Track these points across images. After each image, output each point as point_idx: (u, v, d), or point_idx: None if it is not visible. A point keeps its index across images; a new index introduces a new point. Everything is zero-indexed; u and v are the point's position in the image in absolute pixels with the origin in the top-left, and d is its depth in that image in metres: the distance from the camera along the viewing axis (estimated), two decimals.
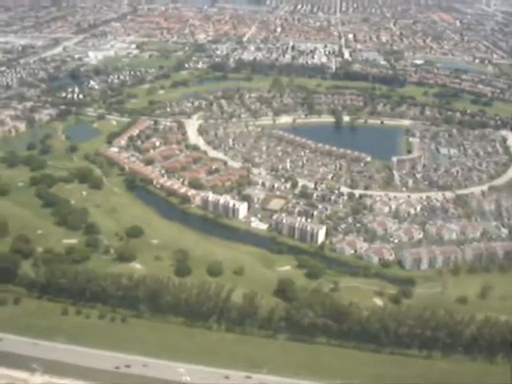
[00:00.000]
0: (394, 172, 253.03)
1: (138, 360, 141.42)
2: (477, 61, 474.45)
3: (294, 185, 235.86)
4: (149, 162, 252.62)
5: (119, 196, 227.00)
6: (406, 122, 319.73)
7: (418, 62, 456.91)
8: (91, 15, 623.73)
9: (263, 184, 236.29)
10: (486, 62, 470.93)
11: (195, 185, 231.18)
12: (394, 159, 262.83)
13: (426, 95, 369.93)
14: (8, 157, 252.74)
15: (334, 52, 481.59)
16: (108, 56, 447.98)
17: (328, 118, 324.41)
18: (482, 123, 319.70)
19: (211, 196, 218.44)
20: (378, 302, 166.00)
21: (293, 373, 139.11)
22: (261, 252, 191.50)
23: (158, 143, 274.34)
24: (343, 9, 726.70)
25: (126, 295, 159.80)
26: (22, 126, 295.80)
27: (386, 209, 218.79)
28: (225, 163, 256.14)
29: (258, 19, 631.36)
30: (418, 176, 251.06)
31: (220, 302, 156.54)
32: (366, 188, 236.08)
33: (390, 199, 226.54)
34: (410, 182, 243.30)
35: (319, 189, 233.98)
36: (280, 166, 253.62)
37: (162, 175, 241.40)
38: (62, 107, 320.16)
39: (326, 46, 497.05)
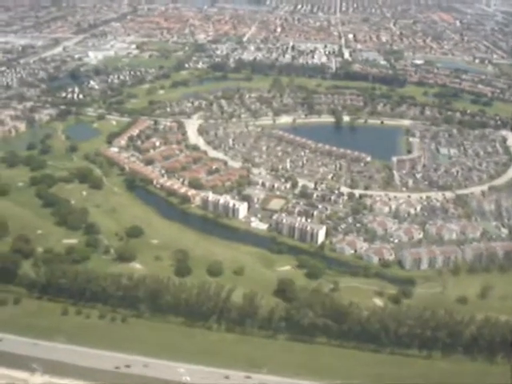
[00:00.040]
0: (394, 172, 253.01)
1: (138, 360, 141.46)
2: (477, 61, 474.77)
3: (294, 185, 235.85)
4: (149, 162, 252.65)
5: (119, 196, 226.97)
6: (406, 122, 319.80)
7: (418, 61, 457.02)
8: (91, 15, 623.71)
9: (263, 184, 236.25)
10: (486, 61, 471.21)
11: (195, 185, 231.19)
12: (394, 159, 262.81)
13: (426, 95, 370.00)
14: (8, 157, 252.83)
15: (333, 52, 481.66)
16: (108, 56, 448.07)
17: (328, 118, 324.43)
18: (482, 123, 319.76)
19: (211, 196, 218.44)
20: (378, 302, 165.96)
21: (293, 373, 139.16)
22: (261, 252, 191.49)
23: (158, 143, 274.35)
24: (343, 9, 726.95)
25: (126, 295, 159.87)
26: (22, 126, 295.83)
27: (386, 209, 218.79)
28: (225, 163, 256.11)
29: (258, 19, 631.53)
30: (418, 176, 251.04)
31: (220, 302, 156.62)
32: (366, 188, 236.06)
33: (389, 199, 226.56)
34: (410, 182, 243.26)
35: (319, 189, 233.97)
36: (280, 166, 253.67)
37: (162, 175, 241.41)
38: (62, 107, 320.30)
39: (326, 46, 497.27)
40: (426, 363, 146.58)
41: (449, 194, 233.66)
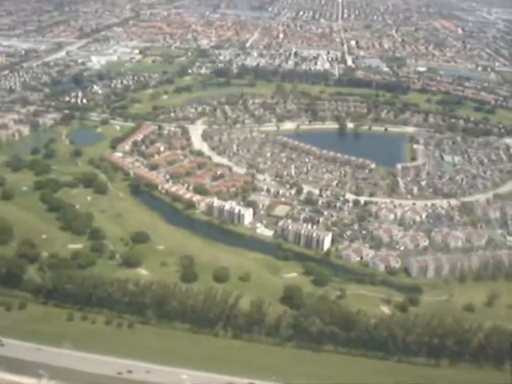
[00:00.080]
0: (399, 179, 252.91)
1: (141, 366, 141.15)
2: (479, 68, 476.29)
3: (299, 191, 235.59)
4: (153, 168, 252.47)
5: (124, 201, 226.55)
6: (410, 129, 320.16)
7: (421, 69, 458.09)
8: (93, 20, 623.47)
9: (268, 190, 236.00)
10: (489, 69, 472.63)
11: (200, 190, 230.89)
12: (399, 166, 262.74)
13: (429, 102, 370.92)
14: (12, 161, 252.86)
15: (336, 58, 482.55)
16: (111, 61, 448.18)
17: (332, 125, 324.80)
18: (485, 131, 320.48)
19: (216, 202, 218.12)
20: (385, 309, 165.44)
21: (300, 381, 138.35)
22: (267, 258, 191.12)
23: (162, 148, 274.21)
24: (345, 15, 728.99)
25: (132, 301, 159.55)
26: (26, 130, 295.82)
27: (392, 216, 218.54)
28: (229, 169, 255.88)
29: (261, 25, 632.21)
30: (423, 183, 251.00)
31: (227, 309, 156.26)
32: (371, 195, 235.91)
33: (395, 206, 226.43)
34: (415, 190, 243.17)
35: (324, 195, 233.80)
36: (285, 173, 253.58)
37: (167, 180, 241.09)
38: (66, 111, 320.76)
39: (328, 53, 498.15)
40: (434, 371, 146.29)
41: (454, 202, 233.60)
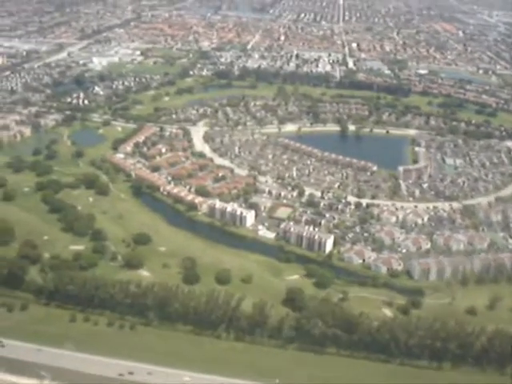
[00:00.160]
0: (401, 182, 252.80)
1: (142, 367, 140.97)
2: (480, 71, 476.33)
3: (301, 193, 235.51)
4: (155, 169, 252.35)
5: (126, 202, 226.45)
6: (412, 132, 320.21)
7: (422, 71, 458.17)
8: (95, 21, 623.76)
9: (270, 192, 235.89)
10: (490, 72, 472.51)
11: (202, 192, 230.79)
12: (401, 169, 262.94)
13: (431, 105, 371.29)
14: (14, 162, 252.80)
15: (338, 61, 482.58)
16: (112, 62, 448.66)
17: (333, 127, 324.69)
18: (487, 134, 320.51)
19: (218, 204, 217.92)
20: (388, 312, 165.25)
21: (302, 383, 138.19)
22: (268, 260, 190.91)
23: (164, 150, 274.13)
24: (346, 18, 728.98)
25: (134, 303, 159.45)
26: (28, 131, 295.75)
27: (394, 218, 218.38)
28: (231, 171, 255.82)
29: (262, 27, 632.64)
30: (425, 186, 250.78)
31: (229, 311, 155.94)
32: (373, 197, 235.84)
33: (396, 209, 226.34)
34: (417, 192, 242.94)
35: (326, 197, 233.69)
36: (286, 175, 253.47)
37: (169, 182, 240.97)
38: (68, 112, 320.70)
39: (329, 55, 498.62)
40: (436, 374, 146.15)
41: (455, 205, 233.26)
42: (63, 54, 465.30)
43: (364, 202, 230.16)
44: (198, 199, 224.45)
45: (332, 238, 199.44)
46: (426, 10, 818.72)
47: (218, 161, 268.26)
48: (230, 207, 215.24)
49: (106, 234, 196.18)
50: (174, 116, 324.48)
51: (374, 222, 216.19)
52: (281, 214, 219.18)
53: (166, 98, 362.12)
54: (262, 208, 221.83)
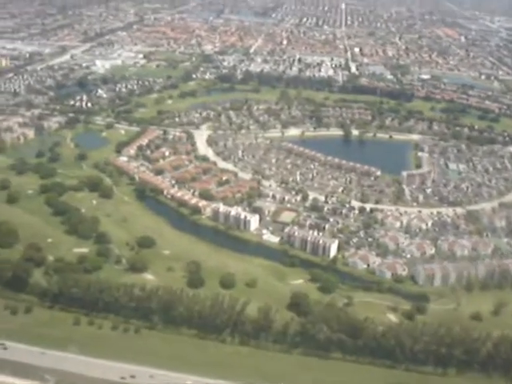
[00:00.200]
0: (404, 187, 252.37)
1: (145, 371, 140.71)
2: (483, 77, 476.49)
3: (305, 198, 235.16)
4: (158, 172, 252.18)
5: (129, 205, 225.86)
6: (415, 137, 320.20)
7: (425, 76, 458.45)
8: (97, 24, 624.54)
9: (274, 196, 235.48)
10: (492, 78, 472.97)
11: (205, 196, 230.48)
12: (404, 174, 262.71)
13: (434, 110, 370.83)
14: (17, 164, 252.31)
15: (340, 65, 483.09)
16: (115, 65, 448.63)
17: (336, 132, 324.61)
18: (490, 139, 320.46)
19: (222, 207, 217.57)
20: (392, 317, 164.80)
21: None
22: (273, 265, 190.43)
23: (167, 153, 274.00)
24: (348, 22, 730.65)
25: (138, 306, 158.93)
26: (31, 134, 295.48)
27: (398, 223, 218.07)
28: (235, 175, 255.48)
29: (264, 31, 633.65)
30: (428, 191, 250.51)
31: (234, 315, 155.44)
32: (377, 202, 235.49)
33: (400, 214, 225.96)
34: (421, 197, 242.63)
35: (330, 202, 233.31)
36: (290, 179, 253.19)
37: (173, 185, 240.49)
38: (71, 115, 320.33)
39: (332, 60, 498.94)
40: (442, 380, 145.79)
41: (459, 210, 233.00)
42: (66, 57, 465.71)
43: (368, 206, 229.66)
44: (202, 203, 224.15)
45: (336, 242, 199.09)
46: (428, 15, 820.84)
47: (222, 164, 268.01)
48: (234, 211, 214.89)
49: (110, 237, 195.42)
50: (177, 119, 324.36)
51: (378, 226, 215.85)
52: (285, 219, 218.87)
53: (169, 102, 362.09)
54: (266, 212, 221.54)
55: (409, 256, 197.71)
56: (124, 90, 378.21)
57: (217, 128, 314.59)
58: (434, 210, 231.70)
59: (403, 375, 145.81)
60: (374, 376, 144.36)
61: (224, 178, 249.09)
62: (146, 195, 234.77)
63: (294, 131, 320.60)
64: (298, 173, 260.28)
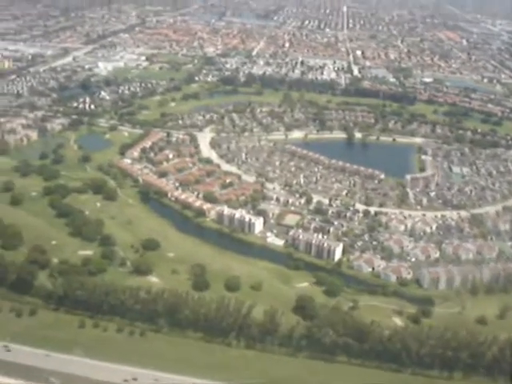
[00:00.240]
0: (408, 190, 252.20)
1: (149, 374, 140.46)
2: (485, 80, 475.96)
3: (309, 200, 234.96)
4: (162, 175, 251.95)
5: (134, 208, 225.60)
6: (418, 140, 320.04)
7: (427, 79, 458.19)
8: (100, 26, 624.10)
9: (277, 199, 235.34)
10: (495, 81, 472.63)
11: (209, 198, 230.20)
12: (408, 177, 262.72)
13: (436, 113, 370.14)
14: (21, 166, 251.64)
15: (342, 68, 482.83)
16: (118, 67, 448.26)
17: (340, 134, 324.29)
18: (493, 142, 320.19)
19: (226, 210, 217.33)
20: (398, 321, 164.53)
21: None
22: (278, 268, 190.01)
23: (171, 156, 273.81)
24: (350, 25, 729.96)
25: (144, 309, 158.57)
26: (34, 135, 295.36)
27: (402, 227, 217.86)
28: (238, 177, 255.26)
29: (266, 34, 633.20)
30: (432, 194, 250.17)
31: (240, 318, 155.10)
32: (381, 205, 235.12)
33: (405, 217, 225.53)
34: (425, 201, 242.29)
35: (334, 205, 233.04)
36: (294, 182, 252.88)
37: (176, 188, 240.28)
38: (74, 117, 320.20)
39: (334, 62, 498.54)
40: None
41: (463, 213, 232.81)
42: (68, 59, 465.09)
43: (372, 209, 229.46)
44: (206, 205, 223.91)
45: (341, 245, 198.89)
46: (430, 18, 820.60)
47: (225, 167, 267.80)
48: (238, 214, 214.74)
49: (115, 240, 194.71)
50: (180, 122, 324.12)
51: (382, 230, 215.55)
52: (289, 221, 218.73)
53: (172, 104, 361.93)
54: (270, 215, 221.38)
55: (413, 259, 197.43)
56: (127, 92, 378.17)
57: (220, 130, 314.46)
58: (438, 214, 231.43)
59: (409, 379, 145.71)
60: (380, 380, 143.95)
61: (228, 181, 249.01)
62: (150, 197, 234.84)
63: (297, 134, 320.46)
64: (301, 176, 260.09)
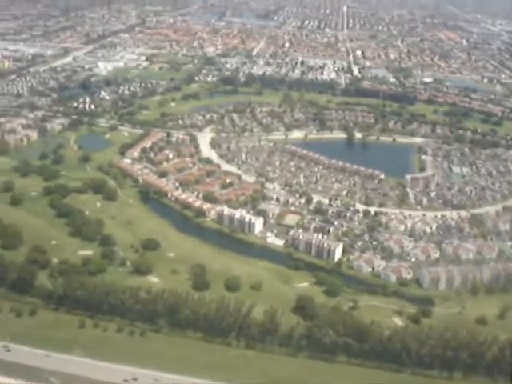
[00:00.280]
0: (408, 190, 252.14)
1: (149, 374, 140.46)
2: (485, 80, 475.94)
3: (309, 200, 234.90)
4: (162, 175, 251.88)
5: (134, 208, 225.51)
6: (418, 140, 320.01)
7: (427, 79, 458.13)
8: (99, 26, 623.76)
9: (277, 199, 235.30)
10: (495, 81, 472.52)
11: (209, 198, 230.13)
12: (408, 177, 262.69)
13: (436, 113, 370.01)
14: (21, 166, 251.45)
15: (342, 68, 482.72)
16: (118, 67, 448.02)
17: (340, 134, 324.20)
18: (493, 142, 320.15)
19: (226, 210, 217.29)
20: (398, 321, 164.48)
21: None
22: (278, 268, 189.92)
23: (171, 156, 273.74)
24: (350, 25, 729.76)
25: (144, 309, 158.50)
26: (34, 135, 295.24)
27: (402, 227, 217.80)
28: (238, 177, 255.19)
29: (266, 34, 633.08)
30: (432, 194, 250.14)
31: (240, 318, 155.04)
32: (381, 205, 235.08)
33: (405, 217, 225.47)
34: (425, 201, 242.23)
35: (334, 205, 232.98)
36: (294, 182, 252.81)
37: (176, 188, 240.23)
38: (74, 117, 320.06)
39: (334, 62, 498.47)
40: None
41: (463, 213, 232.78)
42: (68, 59, 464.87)
43: (372, 209, 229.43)
44: (206, 205, 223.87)
45: (341, 245, 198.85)
46: (430, 18, 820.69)
47: (225, 167, 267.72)
48: (238, 214, 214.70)
49: (115, 240, 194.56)
50: (180, 122, 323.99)
51: (382, 230, 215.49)
52: (289, 221, 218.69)
53: (172, 104, 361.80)
54: (270, 215, 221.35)
55: (413, 259, 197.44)
56: (127, 92, 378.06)
57: (220, 130, 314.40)
58: (438, 214, 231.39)
59: (409, 379, 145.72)
60: (380, 380, 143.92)
61: (228, 181, 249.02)
62: (150, 197, 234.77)
63: (297, 134, 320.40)
64: (301, 176, 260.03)
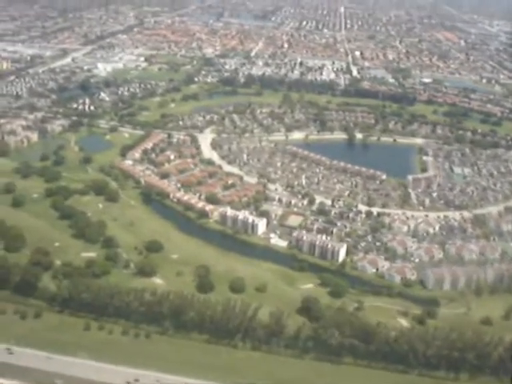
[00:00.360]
0: (410, 190, 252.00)
1: (152, 375, 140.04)
2: (484, 80, 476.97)
3: (311, 201, 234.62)
4: (164, 176, 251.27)
5: (136, 209, 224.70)
6: (419, 141, 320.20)
7: (426, 80, 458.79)
8: (98, 27, 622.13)
9: (280, 200, 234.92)
10: (493, 81, 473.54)
11: (212, 200, 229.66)
12: (410, 178, 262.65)
13: (436, 114, 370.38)
14: (22, 167, 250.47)
15: (342, 69, 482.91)
16: (117, 68, 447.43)
17: (340, 135, 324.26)
18: (493, 143, 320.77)
19: (229, 211, 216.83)
20: (403, 322, 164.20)
21: None
22: (282, 269, 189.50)
23: (172, 157, 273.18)
24: (348, 26, 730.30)
25: (149, 311, 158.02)
26: (34, 137, 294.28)
27: (405, 227, 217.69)
28: (240, 178, 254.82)
29: (265, 35, 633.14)
30: (434, 195, 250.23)
31: (246, 320, 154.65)
32: (383, 206, 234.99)
33: (407, 218, 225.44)
34: (427, 201, 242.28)
35: (337, 206, 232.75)
36: (296, 183, 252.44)
37: (179, 189, 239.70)
38: (74, 118, 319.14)
39: (333, 63, 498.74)
40: None
41: (466, 214, 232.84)
42: (67, 60, 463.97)
43: (375, 210, 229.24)
44: (209, 207, 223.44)
45: (345, 246, 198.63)
46: (427, 18, 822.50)
47: (227, 168, 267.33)
48: (241, 215, 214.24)
49: (118, 241, 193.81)
50: (180, 123, 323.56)
51: (385, 230, 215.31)
52: (292, 222, 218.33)
53: (172, 105, 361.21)
54: (273, 216, 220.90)
55: (417, 260, 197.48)
56: (126, 93, 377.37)
57: (221, 131, 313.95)
58: (441, 214, 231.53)
59: (416, 380, 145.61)
60: (386, 381, 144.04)
61: (230, 182, 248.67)
62: (153, 199, 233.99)
63: (297, 135, 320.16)
64: (303, 176, 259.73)
